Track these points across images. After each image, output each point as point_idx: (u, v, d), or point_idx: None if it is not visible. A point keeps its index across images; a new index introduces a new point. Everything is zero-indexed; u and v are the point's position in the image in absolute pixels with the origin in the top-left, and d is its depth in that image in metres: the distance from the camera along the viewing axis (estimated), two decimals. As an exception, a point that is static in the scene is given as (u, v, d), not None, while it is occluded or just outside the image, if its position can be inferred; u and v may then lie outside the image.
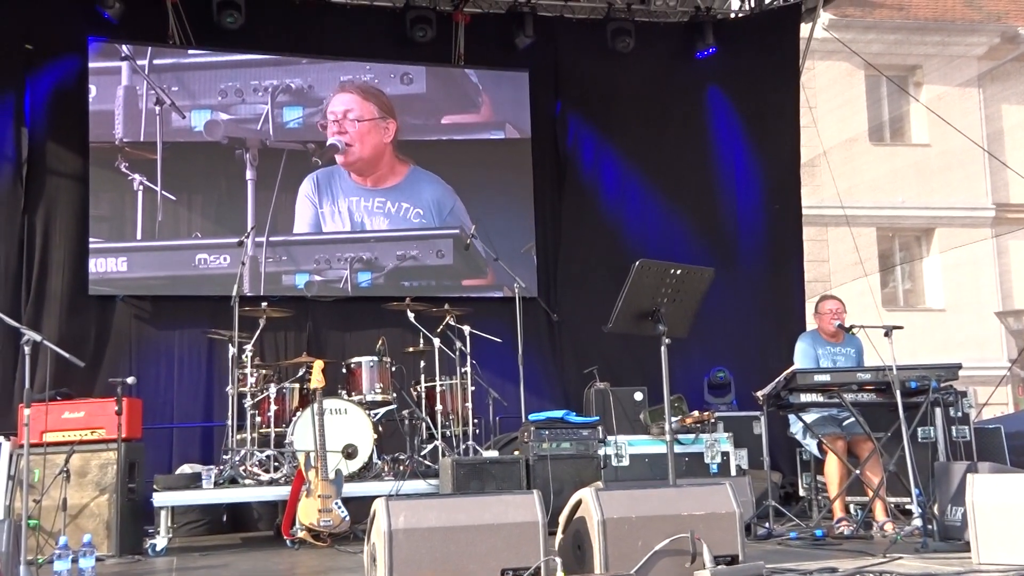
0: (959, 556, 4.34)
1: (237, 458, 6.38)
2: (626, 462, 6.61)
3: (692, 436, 6.76)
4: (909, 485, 5.15)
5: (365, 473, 6.46)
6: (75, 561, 3.67)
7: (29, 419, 4.52)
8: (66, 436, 5.73)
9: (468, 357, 6.93)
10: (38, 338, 4.56)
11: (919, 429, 6.17)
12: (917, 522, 5.02)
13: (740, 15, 9.36)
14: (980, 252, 16.41)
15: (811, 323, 7.01)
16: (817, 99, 14.14)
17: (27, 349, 4.50)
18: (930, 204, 16.28)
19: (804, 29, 9.44)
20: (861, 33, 15.20)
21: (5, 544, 3.57)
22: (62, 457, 5.55)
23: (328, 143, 8.29)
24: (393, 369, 7.00)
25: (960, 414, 6.45)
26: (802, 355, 6.06)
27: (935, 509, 5.01)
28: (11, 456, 5.69)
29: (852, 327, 5.62)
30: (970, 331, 15.78)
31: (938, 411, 6.10)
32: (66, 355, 4.89)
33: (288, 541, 5.80)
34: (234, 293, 6.60)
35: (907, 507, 5.74)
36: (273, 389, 6.59)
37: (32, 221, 7.57)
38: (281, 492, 6.08)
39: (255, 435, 6.55)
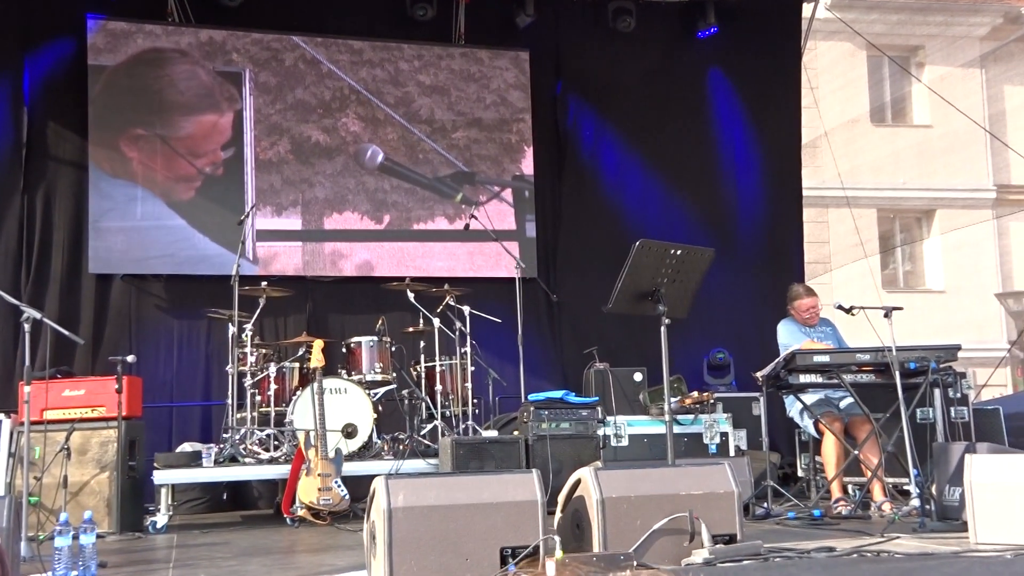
0: (956, 536, 4.36)
1: (237, 437, 6.40)
2: (625, 442, 6.64)
3: (691, 417, 6.79)
4: (907, 466, 5.16)
5: (365, 452, 6.48)
6: (76, 538, 3.67)
7: (29, 396, 4.55)
8: (66, 414, 5.73)
9: (468, 337, 6.93)
10: (38, 315, 4.57)
11: (918, 410, 6.20)
12: (915, 502, 5.03)
13: (742, -6, 9.28)
14: (981, 234, 16.38)
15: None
16: (819, 80, 14.06)
17: (27, 327, 4.51)
18: (931, 185, 16.25)
19: (806, 9, 9.39)
20: (863, 13, 15.11)
21: (6, 520, 3.58)
22: (62, 435, 5.55)
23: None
24: (393, 349, 7.00)
25: (959, 395, 6.47)
26: (789, 335, 6.11)
27: (933, 489, 5.03)
28: (12, 433, 5.71)
29: (852, 308, 5.62)
30: (970, 312, 15.79)
31: (937, 392, 6.12)
32: (66, 333, 4.91)
33: (288, 519, 5.83)
34: (233, 272, 6.60)
35: (905, 487, 5.77)
36: (273, 368, 6.61)
37: (32, 201, 7.55)
38: (281, 471, 6.10)
39: (255, 414, 6.57)
